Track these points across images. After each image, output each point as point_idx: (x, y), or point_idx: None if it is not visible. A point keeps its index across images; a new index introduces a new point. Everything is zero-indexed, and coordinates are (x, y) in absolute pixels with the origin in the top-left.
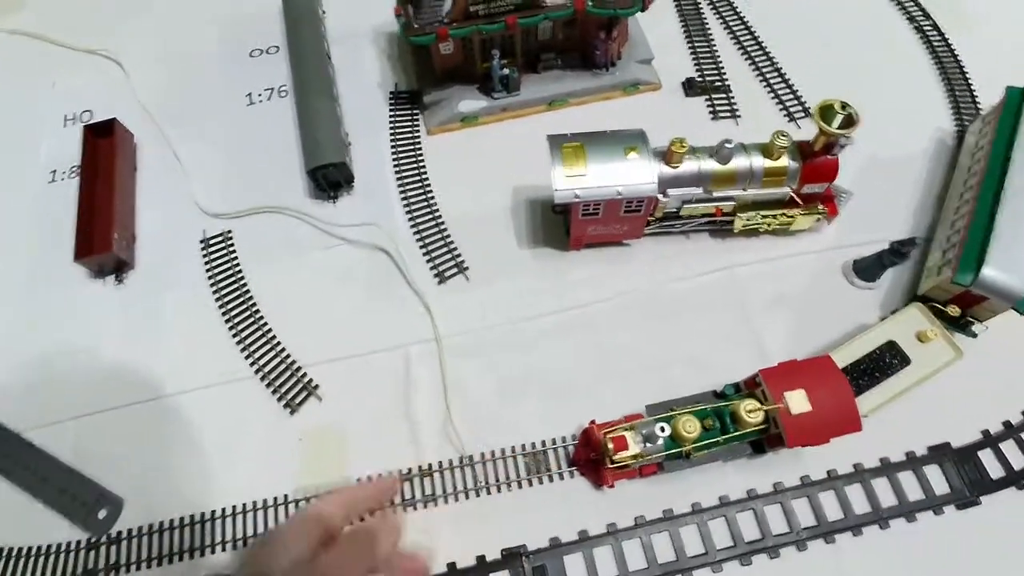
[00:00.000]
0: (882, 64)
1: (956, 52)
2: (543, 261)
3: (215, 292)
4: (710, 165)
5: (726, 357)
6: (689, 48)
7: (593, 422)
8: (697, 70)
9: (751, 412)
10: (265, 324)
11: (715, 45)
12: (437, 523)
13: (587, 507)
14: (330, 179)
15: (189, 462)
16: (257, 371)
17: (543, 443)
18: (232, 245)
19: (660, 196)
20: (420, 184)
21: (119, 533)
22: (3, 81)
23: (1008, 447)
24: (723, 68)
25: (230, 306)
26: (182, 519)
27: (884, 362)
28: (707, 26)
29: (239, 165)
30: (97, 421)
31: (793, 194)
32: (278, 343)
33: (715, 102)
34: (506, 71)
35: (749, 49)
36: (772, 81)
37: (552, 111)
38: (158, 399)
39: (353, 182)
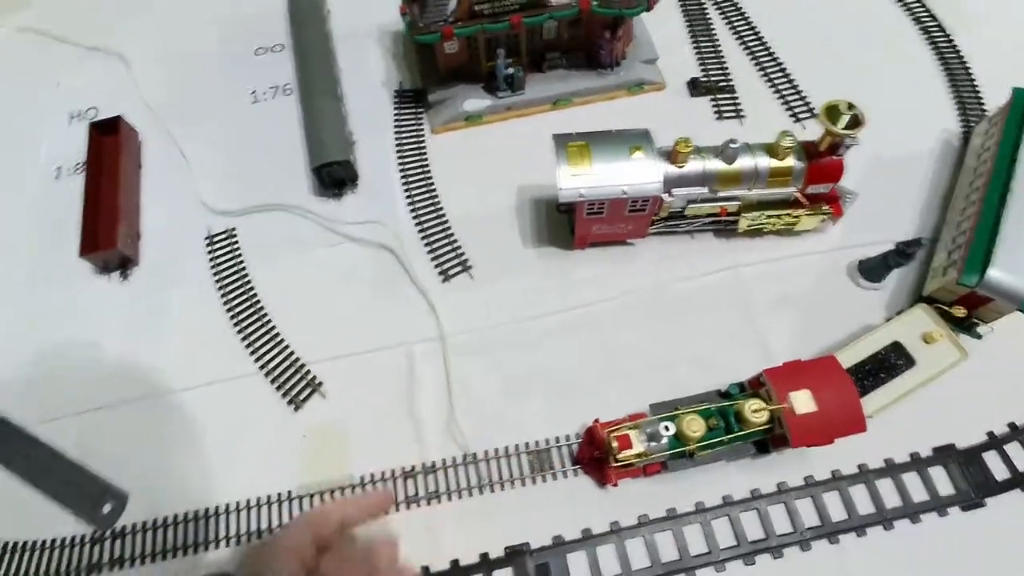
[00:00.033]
0: (887, 65)
1: (961, 53)
2: (547, 260)
3: (220, 289)
4: (715, 165)
5: (730, 357)
6: (694, 48)
7: (597, 421)
8: (702, 70)
9: (756, 412)
10: (269, 321)
11: (719, 45)
12: (441, 520)
13: (590, 506)
14: (334, 177)
15: (193, 458)
16: (261, 367)
17: (547, 441)
18: (236, 242)
19: (665, 196)
20: (424, 183)
21: (123, 528)
22: (8, 78)
23: (1013, 449)
24: (727, 68)
25: (234, 303)
26: (186, 514)
27: (889, 363)
28: (712, 26)
29: (243, 163)
30: (102, 416)
31: (798, 194)
32: (282, 340)
33: (719, 102)
34: (511, 70)
35: (754, 49)
36: (777, 81)
37: (556, 110)
38: (162, 395)
39: (357, 180)
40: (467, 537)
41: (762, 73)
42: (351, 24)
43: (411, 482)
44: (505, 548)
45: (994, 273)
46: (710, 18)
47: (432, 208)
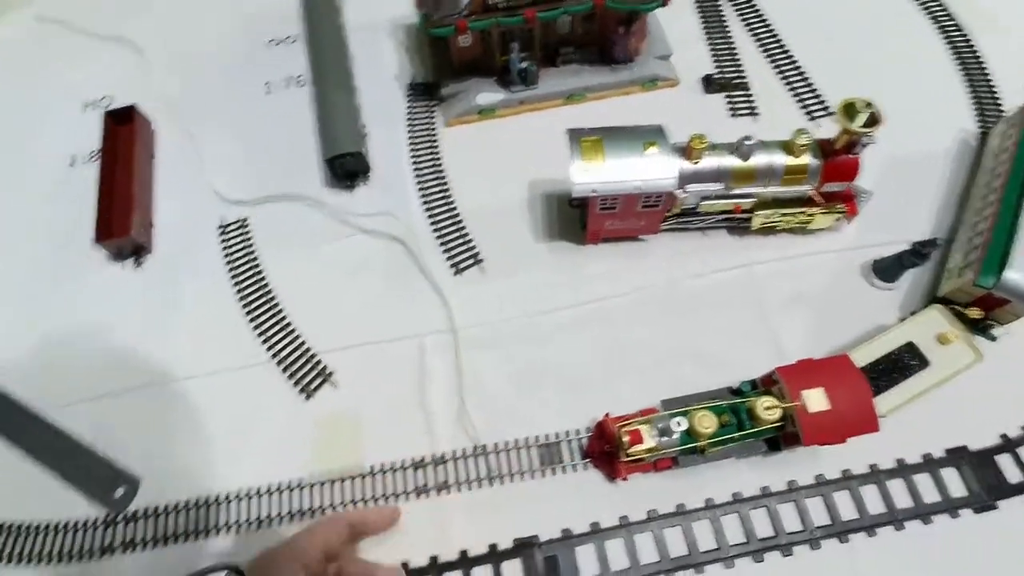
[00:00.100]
0: (903, 64)
1: (979, 53)
2: (559, 255)
3: (232, 278)
4: (730, 161)
5: (743, 355)
6: (708, 45)
7: (607, 415)
8: (716, 67)
9: (768, 409)
10: (281, 310)
11: (734, 42)
12: (450, 511)
13: (600, 499)
14: (347, 169)
15: (204, 445)
16: (273, 356)
17: (557, 435)
18: (249, 232)
19: (678, 192)
20: (436, 176)
21: (135, 512)
22: (24, 67)
23: None
24: (742, 65)
25: (247, 292)
26: (197, 500)
27: (903, 363)
28: (726, 23)
29: (256, 153)
30: (114, 402)
31: (814, 192)
32: (293, 330)
33: (733, 99)
34: (524, 64)
35: (768, 47)
36: (791, 79)
37: (570, 105)
38: (174, 382)
39: (369, 172)
40: (476, 528)
41: (777, 71)
42: (365, 17)
43: (421, 472)
44: (514, 540)
45: (1011, 275)
46: (725, 15)
47: (444, 201)
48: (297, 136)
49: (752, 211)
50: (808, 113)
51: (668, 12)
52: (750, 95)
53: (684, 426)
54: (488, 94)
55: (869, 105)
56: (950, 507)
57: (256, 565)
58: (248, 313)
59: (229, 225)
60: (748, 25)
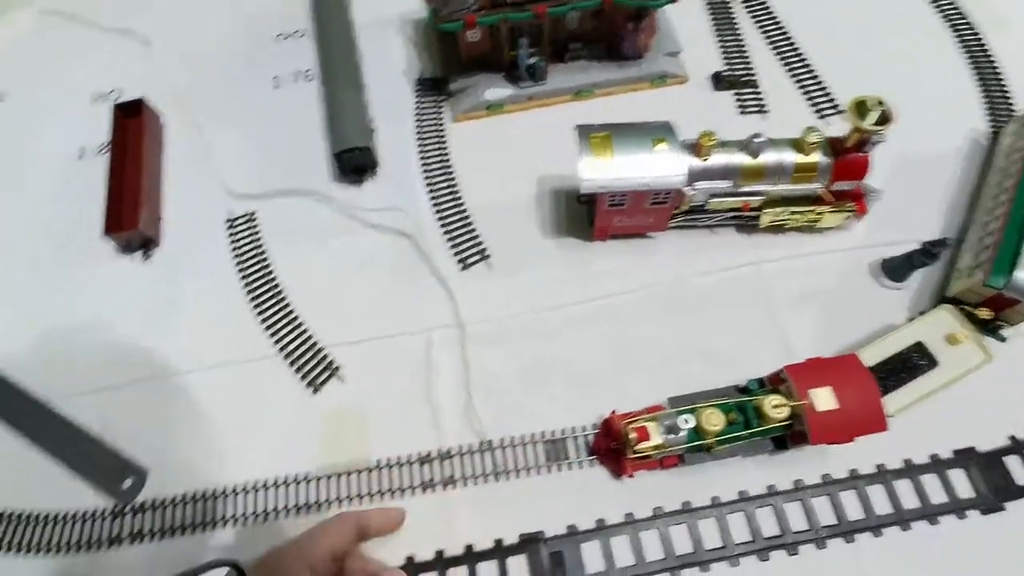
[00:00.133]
0: (914, 62)
1: (990, 52)
2: (567, 251)
3: (240, 271)
4: (739, 159)
5: (750, 353)
6: (718, 42)
7: (614, 412)
8: (725, 64)
9: (776, 407)
10: (288, 304)
11: (743, 39)
12: (456, 506)
13: (606, 496)
14: (355, 163)
15: (211, 437)
16: (281, 350)
17: (563, 431)
18: (256, 226)
19: (687, 189)
20: (444, 171)
21: (142, 503)
22: (33, 59)
23: None
24: (751, 63)
25: (254, 285)
26: (204, 492)
27: (911, 363)
28: (736, 20)
29: (264, 147)
30: (121, 394)
31: (823, 191)
32: (301, 324)
33: (743, 97)
34: (533, 60)
35: (778, 44)
36: (801, 77)
37: (578, 101)
38: (181, 374)
39: (377, 167)
40: (482, 523)
41: (787, 68)
42: (373, 11)
43: (428, 467)
44: (519, 535)
45: (1022, 275)
46: (734, 12)
47: (452, 196)
48: (305, 131)
49: (761, 209)
50: (817, 111)
51: (677, 9)
52: (759, 92)
53: (691, 424)
54: (496, 90)
55: (880, 103)
56: (957, 508)
57: (262, 564)
58: (256, 307)
59: (237, 219)
60: (758, 22)
